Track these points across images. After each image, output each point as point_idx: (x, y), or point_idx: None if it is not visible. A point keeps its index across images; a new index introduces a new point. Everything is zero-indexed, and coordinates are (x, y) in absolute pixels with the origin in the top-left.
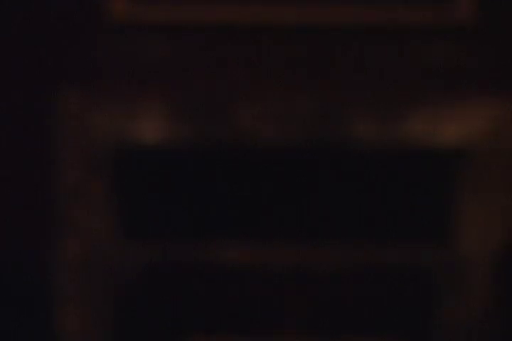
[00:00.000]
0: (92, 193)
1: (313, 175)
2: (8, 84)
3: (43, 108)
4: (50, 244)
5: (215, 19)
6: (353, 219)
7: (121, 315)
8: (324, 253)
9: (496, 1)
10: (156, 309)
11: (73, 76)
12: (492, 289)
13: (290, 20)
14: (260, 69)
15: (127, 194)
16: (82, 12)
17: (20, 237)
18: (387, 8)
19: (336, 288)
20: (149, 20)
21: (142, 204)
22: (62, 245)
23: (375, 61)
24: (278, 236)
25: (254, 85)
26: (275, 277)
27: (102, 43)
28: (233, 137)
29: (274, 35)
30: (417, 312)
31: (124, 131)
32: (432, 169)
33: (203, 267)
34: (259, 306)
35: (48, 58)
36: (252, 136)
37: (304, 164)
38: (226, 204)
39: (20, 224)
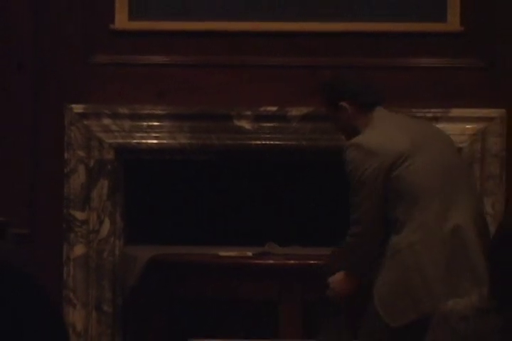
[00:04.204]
0: (97, 195)
1: (303, 180)
2: (23, 93)
3: (53, 116)
4: (58, 244)
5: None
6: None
7: (126, 314)
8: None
9: (485, 15)
10: (158, 308)
11: (80, 85)
12: None
13: (289, 30)
14: (256, 76)
15: (131, 196)
16: (89, 23)
17: (29, 237)
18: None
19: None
20: (148, 29)
21: (145, 207)
22: (70, 245)
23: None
24: (271, 238)
25: (247, 91)
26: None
27: (105, 50)
28: (230, 142)
29: (271, 44)
30: None
31: (128, 136)
32: None
33: (202, 267)
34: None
35: (58, 68)
36: (248, 142)
37: (296, 170)
38: (223, 206)
39: (29, 224)
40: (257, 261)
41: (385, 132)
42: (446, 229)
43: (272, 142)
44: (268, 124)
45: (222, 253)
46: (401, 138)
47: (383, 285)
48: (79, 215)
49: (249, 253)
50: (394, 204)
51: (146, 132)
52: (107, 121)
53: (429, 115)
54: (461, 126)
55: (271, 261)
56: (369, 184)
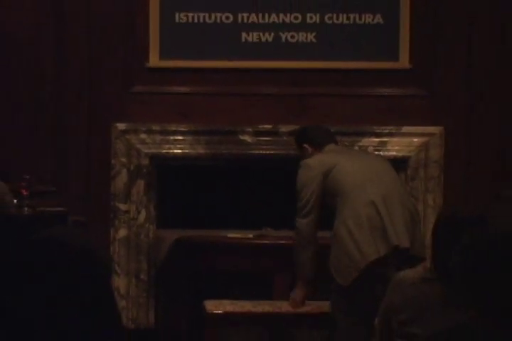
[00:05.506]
0: (136, 192)
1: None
2: (80, 114)
3: (102, 132)
4: (106, 228)
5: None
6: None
7: (157, 281)
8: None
9: (428, 55)
10: (182, 276)
11: (123, 109)
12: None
13: (281, 67)
14: (256, 101)
15: (161, 192)
16: (129, 62)
17: (85, 223)
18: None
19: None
20: (174, 66)
21: (172, 200)
22: (115, 229)
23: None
24: (268, 224)
25: (249, 113)
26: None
27: (142, 82)
28: (235, 153)
29: (267, 78)
30: None
31: (159, 147)
32: None
33: (215, 245)
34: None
35: (106, 96)
36: (250, 152)
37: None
38: (230, 199)
39: (85, 213)
40: (256, 241)
41: (324, 154)
42: (368, 209)
43: (267, 152)
44: (264, 138)
45: (230, 235)
46: (335, 156)
47: (333, 258)
48: (122, 206)
49: (251, 235)
50: (333, 199)
51: (172, 144)
52: (143, 136)
53: (386, 131)
54: (410, 140)
55: (267, 241)
56: (307, 189)
